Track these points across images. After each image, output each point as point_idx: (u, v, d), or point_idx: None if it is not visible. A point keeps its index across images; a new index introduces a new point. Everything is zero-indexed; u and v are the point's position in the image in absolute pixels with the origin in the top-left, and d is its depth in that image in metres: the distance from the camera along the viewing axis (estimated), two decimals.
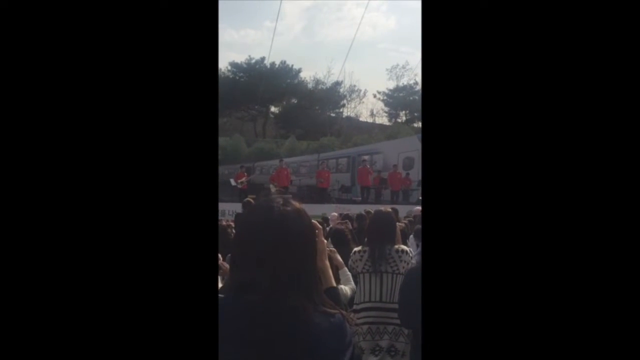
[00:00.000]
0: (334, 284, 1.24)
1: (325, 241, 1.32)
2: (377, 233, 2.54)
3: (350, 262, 2.58)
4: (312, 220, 1.18)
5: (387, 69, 47.51)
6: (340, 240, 3.07)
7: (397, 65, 46.73)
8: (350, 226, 3.95)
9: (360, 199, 12.95)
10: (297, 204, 1.01)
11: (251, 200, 6.36)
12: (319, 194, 12.73)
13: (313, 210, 10.22)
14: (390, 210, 2.72)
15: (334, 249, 2.58)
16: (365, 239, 2.65)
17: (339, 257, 2.57)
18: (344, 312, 0.96)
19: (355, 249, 2.63)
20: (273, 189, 12.02)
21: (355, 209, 9.23)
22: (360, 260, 2.54)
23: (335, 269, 2.51)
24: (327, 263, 1.24)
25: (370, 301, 2.49)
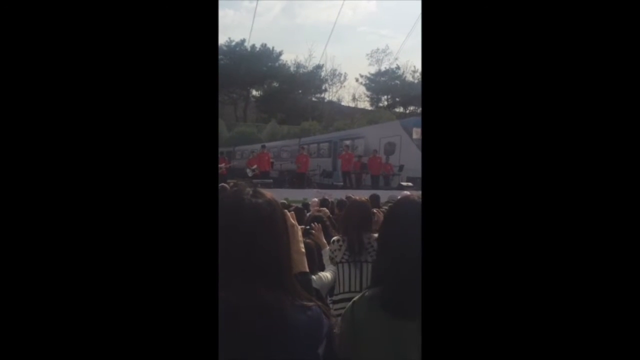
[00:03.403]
0: (307, 269, 1.19)
1: (298, 225, 1.24)
2: (353, 223, 2.50)
3: (329, 251, 2.53)
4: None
5: (367, 54, 47.28)
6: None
7: (378, 49, 46.38)
8: (328, 212, 3.87)
9: (342, 184, 12.91)
10: (267, 194, 0.97)
11: (226, 186, 6.20)
12: (299, 179, 12.65)
13: (293, 195, 10.15)
14: (365, 199, 2.66)
15: (317, 225, 2.51)
16: (343, 229, 2.59)
17: (322, 237, 2.51)
18: (320, 303, 0.95)
19: (334, 238, 2.58)
20: (250, 174, 11.83)
21: (336, 194, 9.19)
22: (339, 249, 2.48)
23: (319, 248, 2.46)
24: (300, 247, 1.18)
25: (350, 291, 2.43)
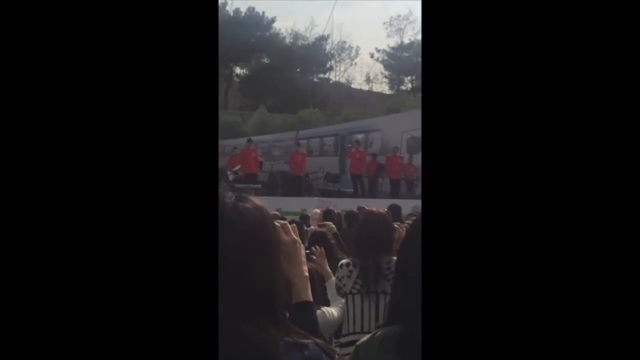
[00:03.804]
0: (310, 298, 1.19)
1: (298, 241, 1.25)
2: (369, 242, 2.51)
3: (335, 279, 2.54)
4: (282, 222, 1.17)
5: (385, 22, 47.32)
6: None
7: (399, 16, 46.26)
8: (334, 228, 3.87)
9: (351, 190, 12.95)
10: (256, 200, 1.00)
11: None
12: (296, 185, 12.68)
13: (288, 204, 10.17)
14: (384, 211, 2.66)
15: (318, 250, 2.50)
16: (354, 251, 2.59)
17: (327, 266, 2.51)
18: (319, 340, 0.96)
19: (343, 261, 2.59)
20: (231, 177, 11.80)
21: (344, 204, 9.21)
22: (349, 277, 2.49)
23: (321, 278, 2.46)
24: (302, 270, 1.19)
25: (362, 332, 2.43)
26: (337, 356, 1.20)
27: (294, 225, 1.24)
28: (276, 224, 1.15)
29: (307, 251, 2.65)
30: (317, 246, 2.63)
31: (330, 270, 2.58)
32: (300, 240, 1.19)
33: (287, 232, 1.16)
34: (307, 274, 1.19)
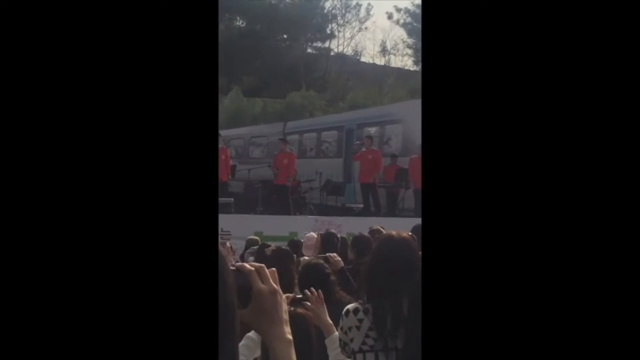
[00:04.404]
0: None
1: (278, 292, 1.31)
2: (386, 279, 2.52)
3: (339, 331, 2.56)
4: (257, 266, 1.25)
5: None
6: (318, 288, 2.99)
7: None
8: (340, 262, 3.86)
9: (361, 206, 12.97)
10: None
11: None
12: (283, 197, 12.71)
13: (273, 225, 10.16)
14: (407, 235, 2.65)
15: (314, 293, 2.49)
16: (365, 291, 2.61)
17: (326, 315, 2.50)
18: None
19: (349, 306, 2.60)
20: None
21: (351, 226, 9.22)
22: (358, 328, 2.50)
23: (318, 333, 2.45)
24: (284, 332, 1.23)
25: None
26: None
27: (273, 270, 1.26)
28: (249, 267, 1.22)
29: (299, 296, 2.63)
30: (312, 288, 2.61)
31: (331, 322, 2.60)
32: (281, 292, 1.23)
33: (263, 279, 1.20)
34: (289, 336, 1.23)
